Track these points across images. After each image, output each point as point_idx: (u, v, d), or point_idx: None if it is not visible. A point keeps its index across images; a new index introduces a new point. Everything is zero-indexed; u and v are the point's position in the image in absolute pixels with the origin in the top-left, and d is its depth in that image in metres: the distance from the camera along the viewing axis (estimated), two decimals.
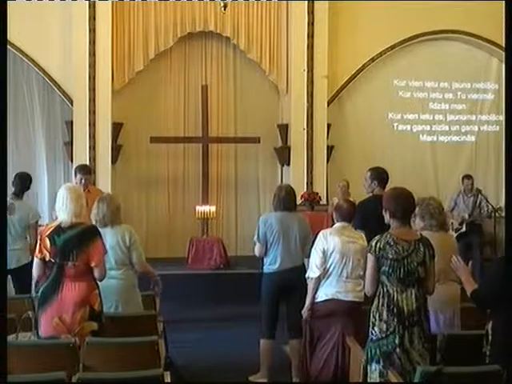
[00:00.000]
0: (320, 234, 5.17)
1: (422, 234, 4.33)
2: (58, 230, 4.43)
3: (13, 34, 8.60)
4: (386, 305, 4.10)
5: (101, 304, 4.56)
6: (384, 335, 4.08)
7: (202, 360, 6.23)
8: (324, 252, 5.03)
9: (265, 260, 5.73)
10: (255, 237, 5.72)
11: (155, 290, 5.59)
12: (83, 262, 4.41)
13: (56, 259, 4.40)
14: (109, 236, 5.20)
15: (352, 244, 5.07)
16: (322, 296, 5.07)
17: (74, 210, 4.45)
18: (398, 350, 4.06)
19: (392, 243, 4.11)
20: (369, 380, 4.15)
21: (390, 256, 4.09)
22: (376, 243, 4.14)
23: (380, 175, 6.13)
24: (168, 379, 3.87)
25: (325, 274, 5.04)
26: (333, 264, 5.03)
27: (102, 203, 5.30)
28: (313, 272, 5.10)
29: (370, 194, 6.16)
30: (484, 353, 4.01)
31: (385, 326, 4.08)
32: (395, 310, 4.08)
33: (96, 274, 4.48)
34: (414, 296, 4.10)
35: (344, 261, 5.02)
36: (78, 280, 4.41)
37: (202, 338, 6.99)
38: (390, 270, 4.10)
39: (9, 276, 6.26)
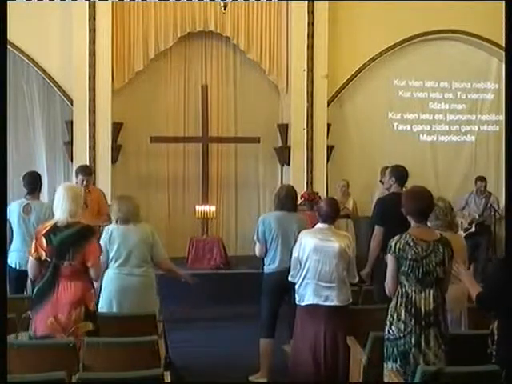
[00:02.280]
0: (299, 234, 5.16)
1: (442, 234, 4.33)
2: (55, 229, 4.42)
3: (13, 34, 8.59)
4: (404, 305, 4.12)
5: (96, 304, 4.57)
6: (402, 335, 4.10)
7: (202, 360, 6.24)
8: (298, 253, 5.01)
9: (265, 260, 5.75)
10: (255, 236, 5.76)
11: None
12: (79, 261, 4.41)
13: (52, 259, 4.39)
14: (132, 233, 5.28)
15: (328, 246, 4.97)
16: (302, 300, 5.03)
17: (70, 209, 4.45)
18: (414, 350, 4.08)
19: (411, 243, 4.13)
20: (384, 379, 4.17)
21: (410, 256, 4.11)
22: (396, 244, 4.16)
23: (399, 173, 6.22)
24: (168, 379, 3.87)
25: (302, 276, 5.00)
26: (309, 267, 4.98)
27: (123, 201, 5.39)
28: (290, 275, 5.12)
29: (387, 191, 6.26)
30: (490, 353, 4.01)
31: (403, 326, 4.10)
32: (413, 310, 4.10)
33: (92, 273, 4.49)
34: (431, 296, 4.11)
35: (320, 264, 4.95)
36: (74, 280, 4.40)
37: (202, 337, 7.00)
38: (409, 270, 4.11)
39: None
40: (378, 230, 5.96)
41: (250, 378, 5.69)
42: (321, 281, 4.96)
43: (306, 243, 5.00)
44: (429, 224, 4.85)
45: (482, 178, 9.87)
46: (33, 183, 6.53)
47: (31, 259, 4.49)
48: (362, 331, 4.61)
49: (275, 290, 5.64)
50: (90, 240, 4.47)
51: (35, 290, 4.50)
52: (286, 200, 5.73)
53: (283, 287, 5.52)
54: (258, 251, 5.79)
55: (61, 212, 4.45)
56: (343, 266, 5.01)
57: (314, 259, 4.96)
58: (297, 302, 5.08)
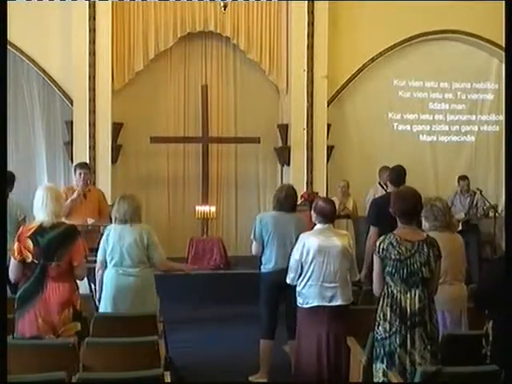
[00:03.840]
0: (300, 236, 5.13)
1: (429, 235, 4.32)
2: (41, 230, 4.39)
3: (13, 34, 8.61)
4: (389, 305, 4.13)
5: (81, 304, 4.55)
6: (388, 335, 4.10)
7: (202, 360, 6.23)
8: (300, 256, 4.98)
9: (262, 259, 5.76)
10: (252, 235, 5.77)
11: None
12: (66, 261, 4.40)
13: (40, 260, 4.36)
14: (127, 234, 5.29)
15: (331, 247, 4.96)
16: (306, 302, 5.00)
17: (54, 209, 4.43)
18: (399, 350, 4.07)
19: (395, 244, 4.13)
20: (374, 379, 4.17)
21: (393, 256, 4.11)
22: (380, 244, 4.17)
23: (391, 174, 6.33)
24: (168, 379, 3.88)
25: (306, 278, 4.97)
26: (313, 269, 4.95)
27: (124, 201, 5.38)
28: (289, 278, 5.09)
29: (380, 192, 6.29)
30: (484, 354, 4.01)
31: (388, 326, 4.11)
32: (398, 311, 4.10)
33: (77, 273, 4.49)
34: (417, 296, 4.11)
35: (324, 265, 4.93)
36: (61, 280, 4.40)
37: (202, 337, 6.99)
38: (393, 271, 4.11)
39: None
40: (372, 231, 5.97)
41: (250, 378, 5.69)
42: (325, 282, 4.94)
43: (309, 245, 4.97)
44: (428, 225, 4.86)
45: (463, 178, 9.91)
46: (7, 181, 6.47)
47: (14, 262, 4.41)
48: (362, 331, 4.61)
49: (272, 289, 5.64)
50: (76, 240, 4.47)
51: (20, 291, 4.44)
52: (286, 200, 5.72)
53: (280, 287, 5.51)
54: (254, 250, 5.81)
55: (45, 213, 4.41)
56: (346, 265, 5.01)
57: (318, 261, 4.93)
58: (299, 305, 5.05)
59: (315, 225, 5.13)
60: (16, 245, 4.42)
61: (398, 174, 6.24)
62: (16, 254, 4.40)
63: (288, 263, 5.29)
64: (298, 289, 5.05)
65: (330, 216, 5.08)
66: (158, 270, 5.48)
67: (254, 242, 5.75)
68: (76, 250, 4.45)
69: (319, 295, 4.95)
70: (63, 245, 4.40)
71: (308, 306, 4.99)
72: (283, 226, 5.65)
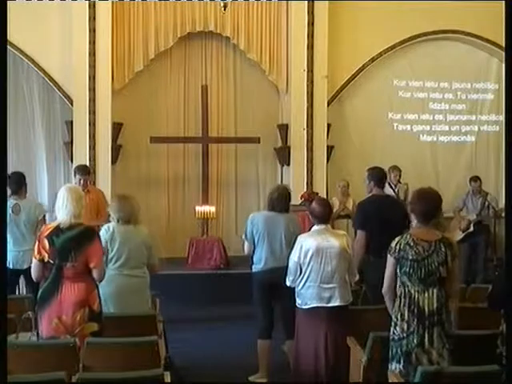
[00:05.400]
0: (297, 238, 5.12)
1: (444, 234, 4.31)
2: (57, 230, 4.43)
3: (13, 34, 8.60)
4: (407, 305, 4.12)
5: (100, 305, 4.56)
6: (405, 335, 4.10)
7: (202, 360, 6.23)
8: (298, 258, 4.98)
9: (253, 259, 5.78)
10: (243, 235, 5.81)
11: None
12: (82, 262, 4.41)
13: (55, 260, 4.39)
14: (133, 234, 5.26)
15: (329, 247, 4.95)
16: (304, 303, 5.00)
17: (74, 210, 4.45)
18: (417, 349, 4.07)
19: (412, 244, 4.13)
20: (389, 380, 4.15)
21: (410, 257, 4.10)
22: (396, 244, 4.16)
23: (376, 175, 6.15)
24: (168, 379, 3.87)
25: (304, 279, 4.97)
26: (311, 270, 4.95)
27: (125, 200, 5.35)
28: (288, 280, 5.08)
29: (370, 194, 6.17)
30: (499, 353, 4.01)
31: (406, 326, 4.10)
32: (416, 311, 4.09)
33: (95, 274, 4.49)
34: (435, 296, 4.11)
35: (322, 266, 4.93)
36: (77, 281, 4.41)
37: (202, 337, 6.99)
38: (411, 271, 4.11)
39: (21, 277, 6.31)
40: (360, 234, 5.91)
41: (250, 378, 5.69)
42: (323, 283, 4.94)
43: (306, 246, 4.97)
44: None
45: (475, 179, 9.84)
46: (19, 182, 6.48)
47: (35, 261, 4.50)
48: (362, 331, 4.61)
49: (264, 288, 5.66)
50: (93, 241, 4.48)
51: (40, 291, 4.50)
52: (278, 201, 5.73)
53: (271, 286, 5.56)
54: (246, 249, 5.85)
55: (64, 213, 4.45)
56: (345, 266, 5.01)
57: (316, 261, 4.93)
58: (298, 305, 5.06)
59: (313, 225, 5.13)
60: (36, 244, 4.49)
61: (380, 175, 6.17)
62: (36, 254, 4.47)
63: (277, 263, 5.44)
64: (296, 290, 5.05)
65: (322, 217, 5.07)
66: (150, 271, 5.42)
67: (246, 242, 5.80)
68: (92, 252, 4.45)
69: (317, 296, 4.95)
70: (79, 246, 4.41)
71: (307, 306, 4.99)
72: (273, 226, 5.67)
